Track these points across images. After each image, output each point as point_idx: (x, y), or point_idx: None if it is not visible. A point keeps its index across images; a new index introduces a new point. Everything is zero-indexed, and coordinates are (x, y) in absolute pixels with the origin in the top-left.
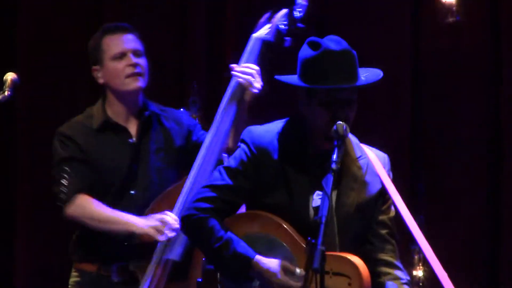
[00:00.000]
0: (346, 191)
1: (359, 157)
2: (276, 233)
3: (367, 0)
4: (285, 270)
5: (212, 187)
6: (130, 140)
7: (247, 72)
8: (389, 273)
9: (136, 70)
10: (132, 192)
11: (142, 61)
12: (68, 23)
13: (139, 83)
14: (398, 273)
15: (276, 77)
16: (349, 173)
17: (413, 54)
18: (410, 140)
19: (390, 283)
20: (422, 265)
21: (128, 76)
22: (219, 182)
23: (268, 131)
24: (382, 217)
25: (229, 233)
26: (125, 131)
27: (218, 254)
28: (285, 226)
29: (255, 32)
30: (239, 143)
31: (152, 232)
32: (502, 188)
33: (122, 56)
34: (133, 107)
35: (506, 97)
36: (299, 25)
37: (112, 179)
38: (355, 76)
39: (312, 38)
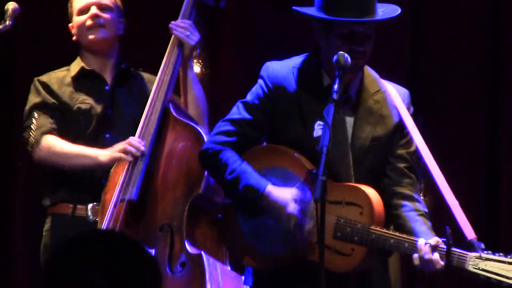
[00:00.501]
0: (361, 124)
1: (377, 91)
2: (290, 165)
3: None
4: (296, 201)
5: (230, 121)
6: (106, 88)
7: (181, 25)
8: (407, 205)
9: (97, 21)
10: (107, 135)
11: (106, 14)
12: None
13: (100, 33)
14: (417, 205)
15: (294, 8)
16: (365, 107)
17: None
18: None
19: (408, 214)
20: (424, 195)
21: (89, 28)
22: (237, 116)
23: (285, 65)
24: (401, 151)
25: (243, 166)
26: (100, 78)
27: (231, 186)
28: (299, 158)
29: None
30: (258, 79)
31: (118, 155)
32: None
33: (86, 10)
34: (106, 60)
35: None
36: None
37: (87, 123)
38: (373, 11)
39: None
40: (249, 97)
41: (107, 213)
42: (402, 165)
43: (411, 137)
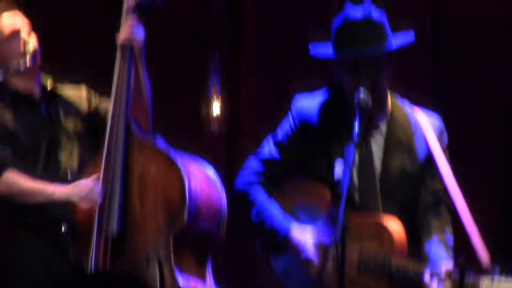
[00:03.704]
0: (390, 156)
1: (407, 121)
2: (317, 201)
3: None
4: (317, 244)
5: (259, 159)
6: (43, 110)
7: (125, 30)
8: (433, 239)
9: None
10: (59, 154)
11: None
12: None
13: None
14: (444, 238)
15: (310, 48)
16: (394, 138)
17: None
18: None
19: (432, 248)
20: None
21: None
22: (266, 154)
23: (313, 99)
24: (431, 184)
25: (269, 206)
26: (35, 101)
27: (258, 226)
28: (324, 194)
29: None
30: (289, 111)
31: (75, 199)
32: None
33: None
34: (33, 80)
35: None
36: None
37: (36, 149)
38: (381, 41)
39: (346, 3)
40: (279, 133)
41: (90, 253)
42: (432, 197)
43: (438, 170)
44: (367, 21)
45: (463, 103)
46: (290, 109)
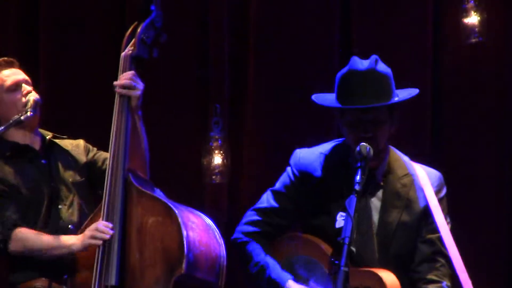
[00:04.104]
0: (388, 208)
1: (405, 174)
2: (315, 254)
3: (390, 19)
4: None
5: (257, 210)
6: (43, 161)
7: (124, 82)
8: None
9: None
10: (60, 206)
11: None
12: None
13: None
14: None
15: (314, 98)
16: (392, 191)
17: (435, 72)
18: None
19: None
20: None
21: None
22: (264, 205)
23: (314, 152)
24: (430, 236)
25: (267, 258)
26: (35, 153)
27: (255, 278)
28: (322, 247)
29: (123, 51)
30: (287, 167)
31: (88, 242)
32: None
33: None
34: (33, 132)
35: None
36: (162, 33)
37: (38, 202)
38: (383, 95)
39: (353, 57)
40: (277, 185)
41: None
42: (430, 250)
43: (435, 223)
44: (370, 73)
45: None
46: (288, 163)
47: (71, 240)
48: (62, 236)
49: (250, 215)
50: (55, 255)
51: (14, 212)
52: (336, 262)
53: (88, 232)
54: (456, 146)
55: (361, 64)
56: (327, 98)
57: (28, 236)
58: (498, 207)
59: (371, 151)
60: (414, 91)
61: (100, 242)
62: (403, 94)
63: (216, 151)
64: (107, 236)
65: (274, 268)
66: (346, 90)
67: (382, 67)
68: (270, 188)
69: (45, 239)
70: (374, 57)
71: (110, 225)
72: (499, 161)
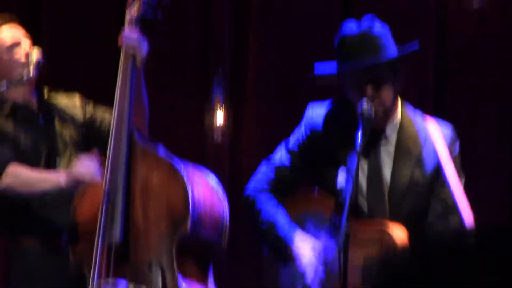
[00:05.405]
0: (399, 167)
1: (417, 132)
2: (325, 210)
3: None
4: (318, 255)
5: (270, 167)
6: (41, 120)
7: (129, 42)
8: None
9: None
10: (58, 163)
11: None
12: None
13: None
14: None
15: (315, 68)
16: (403, 149)
17: (438, 36)
18: None
19: None
20: None
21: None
22: (277, 161)
23: (323, 108)
24: (443, 193)
25: (277, 215)
26: (33, 111)
27: (264, 235)
28: (332, 204)
29: (128, 12)
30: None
31: (86, 178)
32: None
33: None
34: (31, 90)
35: None
36: None
37: (36, 158)
38: (380, 54)
39: (347, 21)
40: (291, 140)
41: (93, 260)
42: (441, 206)
43: (447, 181)
44: (365, 35)
45: (469, 120)
46: (302, 117)
47: (62, 176)
48: (55, 172)
49: (263, 172)
50: (43, 188)
51: (12, 156)
52: (337, 223)
53: (76, 168)
54: (458, 108)
55: (356, 26)
56: (329, 65)
57: (20, 170)
58: (499, 168)
59: (373, 112)
60: (413, 45)
61: (87, 178)
62: (401, 48)
63: (218, 111)
64: (94, 172)
65: (283, 225)
66: (344, 54)
67: (377, 25)
68: (285, 142)
69: (34, 172)
70: (369, 16)
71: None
72: (503, 119)
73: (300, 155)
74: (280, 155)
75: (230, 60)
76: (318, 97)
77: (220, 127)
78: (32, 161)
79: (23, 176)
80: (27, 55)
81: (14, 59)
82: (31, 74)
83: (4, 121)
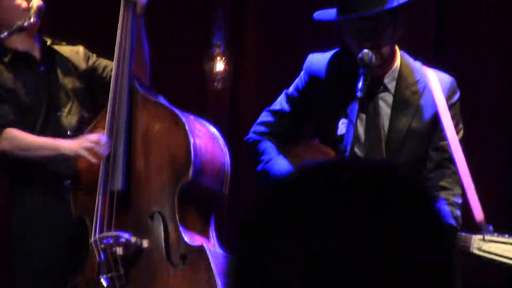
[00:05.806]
0: (397, 115)
1: (415, 81)
2: (325, 158)
3: None
4: None
5: (271, 111)
6: (41, 68)
7: None
8: (441, 197)
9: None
10: (59, 113)
11: None
12: None
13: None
14: (450, 195)
15: (315, 15)
16: (402, 98)
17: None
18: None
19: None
20: None
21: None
22: (277, 107)
23: (325, 57)
24: (441, 142)
25: (276, 157)
26: (34, 60)
27: (262, 175)
28: (331, 154)
29: None
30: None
31: (82, 153)
32: None
33: None
34: (33, 39)
35: None
36: None
37: (37, 107)
38: (380, 1)
39: None
40: (290, 88)
41: (95, 208)
42: (441, 156)
43: (444, 131)
44: None
45: (468, 68)
46: (302, 67)
47: (60, 142)
48: (53, 138)
49: (263, 116)
50: (42, 155)
51: (9, 114)
52: None
53: (85, 142)
54: (459, 55)
55: None
56: (328, 14)
57: (16, 135)
58: (501, 118)
59: (373, 58)
60: None
61: (93, 159)
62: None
63: (218, 58)
64: (103, 154)
65: (283, 165)
66: (343, 1)
67: None
68: (285, 90)
69: (33, 138)
70: None
71: (109, 143)
72: (506, 66)
73: (299, 100)
74: (281, 100)
75: (231, 3)
76: (318, 48)
77: (220, 73)
78: (31, 113)
79: (20, 141)
80: (28, 1)
81: (15, 4)
82: (32, 20)
83: (3, 71)
